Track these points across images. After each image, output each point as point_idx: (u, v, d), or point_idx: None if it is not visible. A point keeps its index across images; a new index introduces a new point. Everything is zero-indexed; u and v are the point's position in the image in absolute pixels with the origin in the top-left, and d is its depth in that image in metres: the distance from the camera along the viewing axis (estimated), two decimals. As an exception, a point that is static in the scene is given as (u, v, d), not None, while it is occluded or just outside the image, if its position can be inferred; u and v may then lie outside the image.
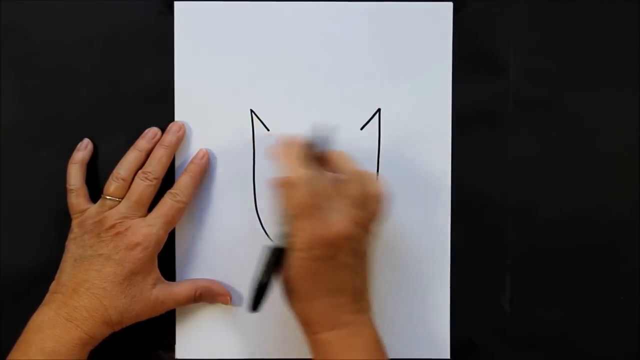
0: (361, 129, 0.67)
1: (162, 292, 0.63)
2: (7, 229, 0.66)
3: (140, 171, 0.64)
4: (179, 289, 0.65)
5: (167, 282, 0.64)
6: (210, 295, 0.66)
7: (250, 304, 0.57)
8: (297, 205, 0.56)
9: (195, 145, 0.66)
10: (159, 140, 0.65)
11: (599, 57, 0.67)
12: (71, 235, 0.63)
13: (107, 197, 0.63)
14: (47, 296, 0.61)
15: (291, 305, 0.58)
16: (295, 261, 0.56)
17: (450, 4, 0.66)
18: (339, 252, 0.56)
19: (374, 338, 0.58)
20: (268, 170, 0.66)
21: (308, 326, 0.58)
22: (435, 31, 0.66)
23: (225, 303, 0.66)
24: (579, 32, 0.67)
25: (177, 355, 0.67)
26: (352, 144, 0.67)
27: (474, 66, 0.67)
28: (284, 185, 0.56)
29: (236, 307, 0.67)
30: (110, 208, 0.62)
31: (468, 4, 0.66)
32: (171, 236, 0.66)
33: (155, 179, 0.63)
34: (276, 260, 0.57)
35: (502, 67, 0.67)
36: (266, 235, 0.67)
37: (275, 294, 0.67)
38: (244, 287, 0.67)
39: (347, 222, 0.56)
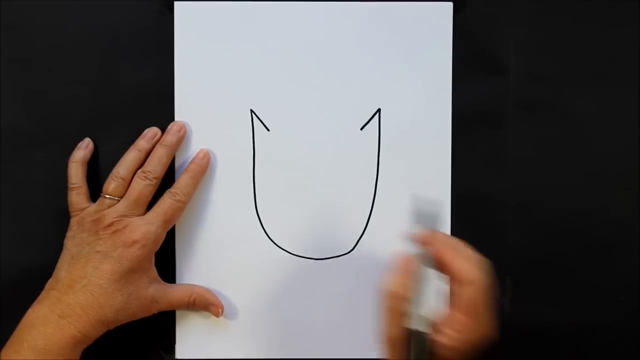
0: (361, 129, 0.67)
1: (158, 292, 0.63)
2: (7, 229, 0.66)
3: (140, 170, 0.64)
4: (174, 291, 0.65)
5: (163, 282, 0.65)
6: (203, 304, 0.66)
7: None
8: (479, 303, 0.53)
9: (195, 145, 0.66)
10: (158, 140, 0.65)
11: (599, 57, 0.67)
12: (69, 233, 0.63)
13: (106, 196, 0.63)
14: (42, 293, 0.61)
15: None
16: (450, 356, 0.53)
17: (450, 4, 0.66)
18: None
19: None
20: (268, 170, 0.66)
21: None
22: (435, 31, 0.66)
23: (216, 315, 0.66)
24: (579, 32, 0.67)
25: (177, 355, 0.67)
26: (352, 144, 0.67)
27: (474, 66, 0.67)
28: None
29: (235, 307, 0.67)
30: (109, 207, 0.62)
31: (468, 4, 0.66)
32: (171, 236, 0.66)
33: (155, 178, 0.63)
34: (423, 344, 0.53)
35: (502, 67, 0.67)
36: (266, 235, 0.67)
37: (274, 297, 0.67)
38: (243, 287, 0.67)
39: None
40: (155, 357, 0.67)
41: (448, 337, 0.53)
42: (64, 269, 0.61)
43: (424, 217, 0.56)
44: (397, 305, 0.53)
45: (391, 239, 0.67)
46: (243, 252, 0.67)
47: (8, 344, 0.59)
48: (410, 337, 0.53)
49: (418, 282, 0.54)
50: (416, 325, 0.53)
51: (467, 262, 0.54)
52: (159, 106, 0.66)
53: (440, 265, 0.55)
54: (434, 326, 0.53)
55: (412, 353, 0.52)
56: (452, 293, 0.54)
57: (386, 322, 0.53)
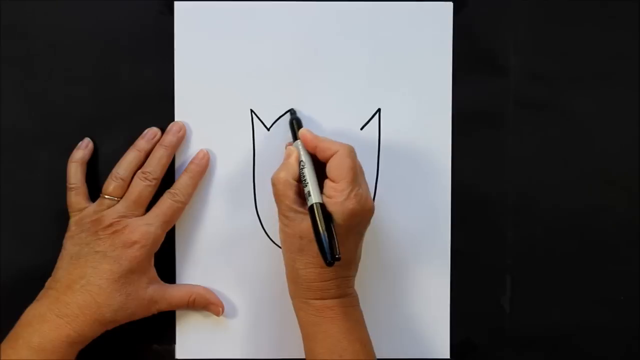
0: (361, 129, 0.67)
1: (157, 292, 0.63)
2: (7, 229, 0.66)
3: (139, 171, 0.64)
4: (173, 291, 0.65)
5: (162, 283, 0.65)
6: (203, 303, 0.66)
7: (328, 257, 0.56)
8: (345, 167, 0.59)
9: (195, 145, 0.66)
10: (158, 141, 0.65)
11: (599, 58, 0.67)
12: (68, 233, 0.63)
13: (106, 197, 0.63)
14: (42, 292, 0.62)
15: (306, 264, 0.59)
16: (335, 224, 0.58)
17: (450, 4, 0.66)
18: (365, 227, 0.61)
19: (361, 313, 0.62)
20: (268, 170, 0.66)
21: (312, 291, 0.60)
22: (435, 31, 0.66)
23: (217, 314, 0.66)
24: (579, 32, 0.67)
25: (177, 355, 0.67)
26: (352, 144, 0.66)
27: (474, 66, 0.67)
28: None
29: (235, 307, 0.67)
30: (109, 207, 0.62)
31: (468, 4, 0.66)
32: (171, 236, 0.66)
33: (154, 179, 0.63)
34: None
35: (502, 67, 0.67)
36: (266, 235, 0.67)
37: (274, 297, 0.67)
38: (243, 287, 0.67)
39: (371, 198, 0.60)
40: (154, 357, 0.67)
41: (328, 202, 0.58)
42: (62, 268, 0.62)
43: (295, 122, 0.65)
44: (285, 189, 0.60)
45: (391, 238, 0.67)
46: (243, 252, 0.67)
47: (5, 339, 0.60)
48: (311, 212, 0.58)
49: (304, 167, 0.61)
50: (313, 201, 0.59)
51: (328, 140, 0.61)
52: (159, 106, 0.66)
53: (313, 150, 0.61)
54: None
55: (318, 224, 0.57)
56: (326, 167, 0.60)
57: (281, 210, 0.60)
